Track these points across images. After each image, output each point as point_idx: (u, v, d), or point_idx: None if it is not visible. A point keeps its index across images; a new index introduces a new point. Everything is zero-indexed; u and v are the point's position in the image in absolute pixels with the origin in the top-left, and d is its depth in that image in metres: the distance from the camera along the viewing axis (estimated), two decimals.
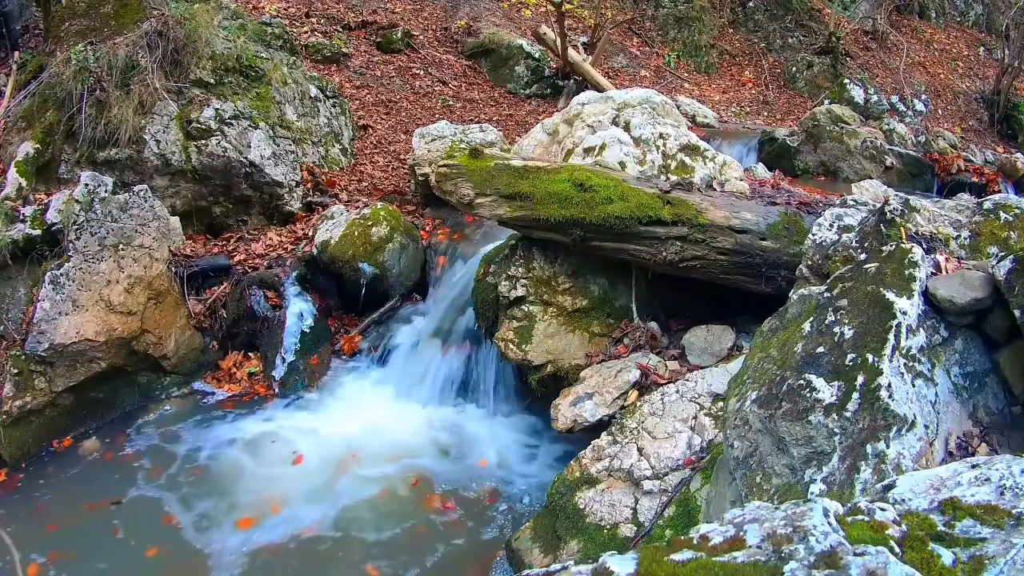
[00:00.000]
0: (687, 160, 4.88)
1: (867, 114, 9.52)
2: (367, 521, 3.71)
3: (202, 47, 5.40)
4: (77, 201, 4.41)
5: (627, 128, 5.05)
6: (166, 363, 4.65)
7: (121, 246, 4.47)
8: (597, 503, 3.18)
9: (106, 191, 4.54)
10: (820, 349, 2.27)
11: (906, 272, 2.31)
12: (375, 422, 4.47)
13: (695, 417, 3.38)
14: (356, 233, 5.07)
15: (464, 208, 4.26)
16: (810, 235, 3.12)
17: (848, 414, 2.08)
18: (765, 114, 9.81)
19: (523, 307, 4.32)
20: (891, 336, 2.15)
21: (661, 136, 4.97)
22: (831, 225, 3.07)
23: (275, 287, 5.02)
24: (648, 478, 3.19)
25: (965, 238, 2.70)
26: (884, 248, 2.51)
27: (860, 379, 2.11)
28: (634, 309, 4.28)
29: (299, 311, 4.92)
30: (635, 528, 3.04)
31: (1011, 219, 2.72)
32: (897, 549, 1.23)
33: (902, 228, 2.67)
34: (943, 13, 12.48)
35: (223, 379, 4.84)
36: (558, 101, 8.61)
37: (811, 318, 2.42)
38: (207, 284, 5.10)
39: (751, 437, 2.31)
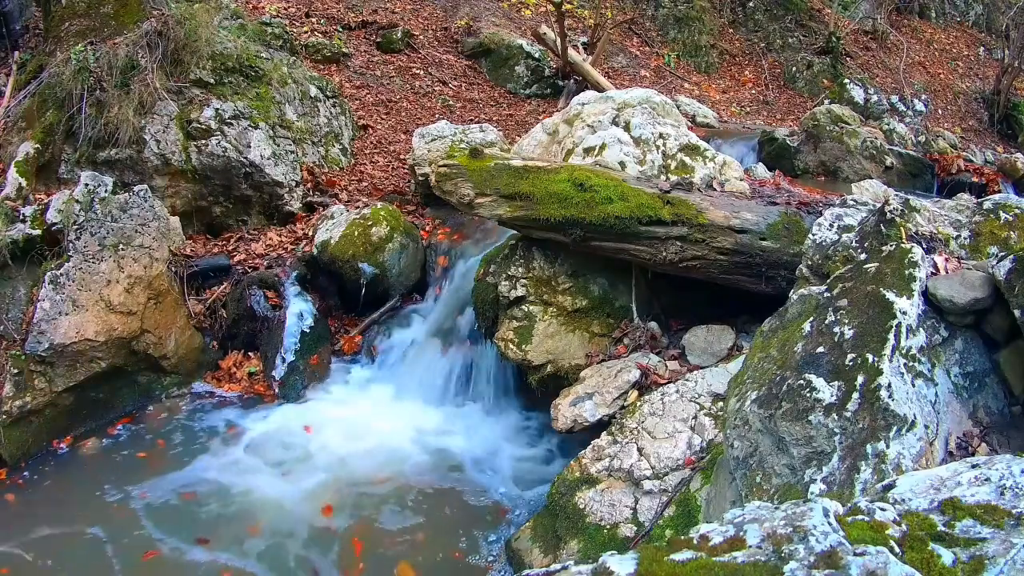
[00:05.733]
0: (687, 160, 4.88)
1: (867, 114, 9.52)
2: (366, 521, 3.71)
3: (202, 47, 5.40)
4: (77, 201, 4.41)
5: (627, 128, 5.05)
6: (166, 363, 4.65)
7: (121, 246, 4.47)
8: (597, 503, 3.18)
9: (106, 191, 4.54)
10: (820, 349, 2.27)
11: (906, 272, 2.31)
12: (375, 422, 4.47)
13: (695, 417, 3.38)
14: (356, 233, 5.07)
15: (464, 208, 4.26)
16: (810, 235, 3.12)
17: (848, 414, 2.08)
18: (765, 114, 9.80)
19: (523, 307, 4.32)
20: (891, 336, 2.15)
21: (661, 136, 4.97)
22: (831, 225, 3.07)
23: (275, 287, 5.02)
24: (648, 478, 3.19)
25: (965, 238, 2.70)
26: (884, 248, 2.51)
27: (860, 379, 2.11)
28: (634, 309, 4.28)
29: (299, 311, 4.91)
30: (635, 528, 3.04)
31: (1011, 219, 2.72)
32: (897, 549, 1.23)
33: (902, 228, 2.67)
34: (943, 13, 12.48)
35: (223, 379, 4.84)
36: (558, 101, 8.61)
37: (811, 318, 2.42)
38: (207, 284, 5.09)
39: (751, 437, 2.31)
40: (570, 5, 8.53)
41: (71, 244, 4.30)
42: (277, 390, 4.68)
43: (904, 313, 2.20)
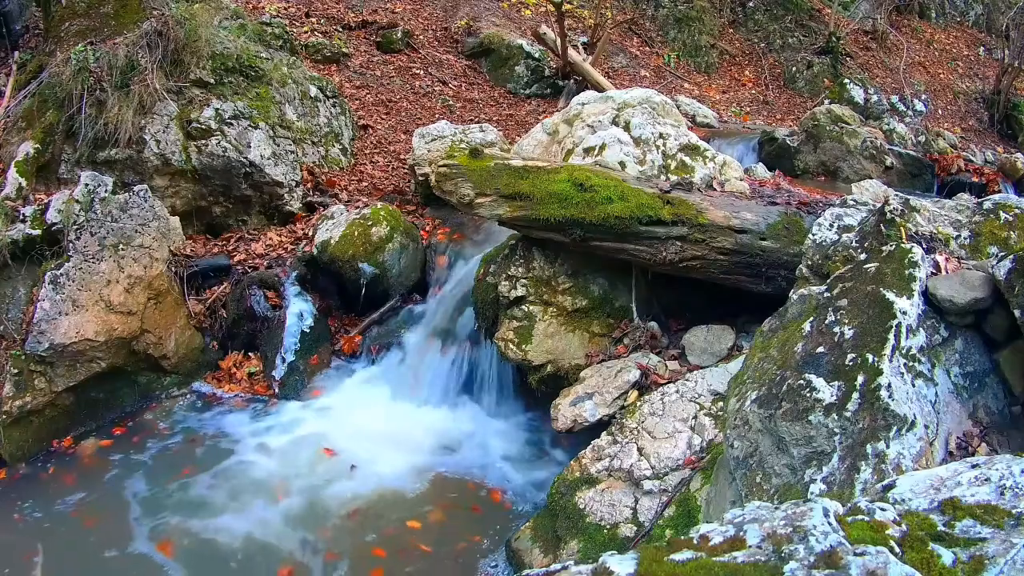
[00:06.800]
0: (687, 160, 4.88)
1: (867, 114, 9.52)
2: (366, 521, 3.71)
3: (202, 47, 5.39)
4: (77, 201, 4.41)
5: (627, 128, 5.05)
6: (166, 363, 4.65)
7: (121, 246, 4.47)
8: (597, 503, 3.18)
9: (106, 191, 4.54)
10: (820, 349, 2.27)
11: (906, 272, 2.31)
12: (374, 422, 4.47)
13: (695, 417, 3.38)
14: (356, 233, 5.07)
15: (464, 208, 4.26)
16: (810, 235, 3.12)
17: (848, 414, 2.08)
18: (765, 114, 9.80)
19: (523, 307, 4.32)
20: (891, 336, 2.15)
21: (661, 136, 4.97)
22: (831, 225, 3.07)
23: (275, 287, 5.02)
24: (648, 478, 3.19)
25: (965, 238, 2.70)
26: (884, 248, 2.51)
27: (860, 379, 2.11)
28: (634, 309, 4.28)
29: (299, 311, 4.91)
30: (635, 528, 3.04)
31: (1011, 219, 2.72)
32: (897, 549, 1.23)
33: (902, 228, 2.67)
34: (943, 13, 12.48)
35: (223, 379, 4.84)
36: (558, 101, 8.60)
37: (811, 318, 2.42)
38: (207, 284, 5.09)
39: (751, 437, 2.31)
40: (570, 5, 8.53)
41: (71, 244, 4.29)
42: (277, 390, 4.68)
43: (904, 313, 2.20)
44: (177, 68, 5.35)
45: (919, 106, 10.21)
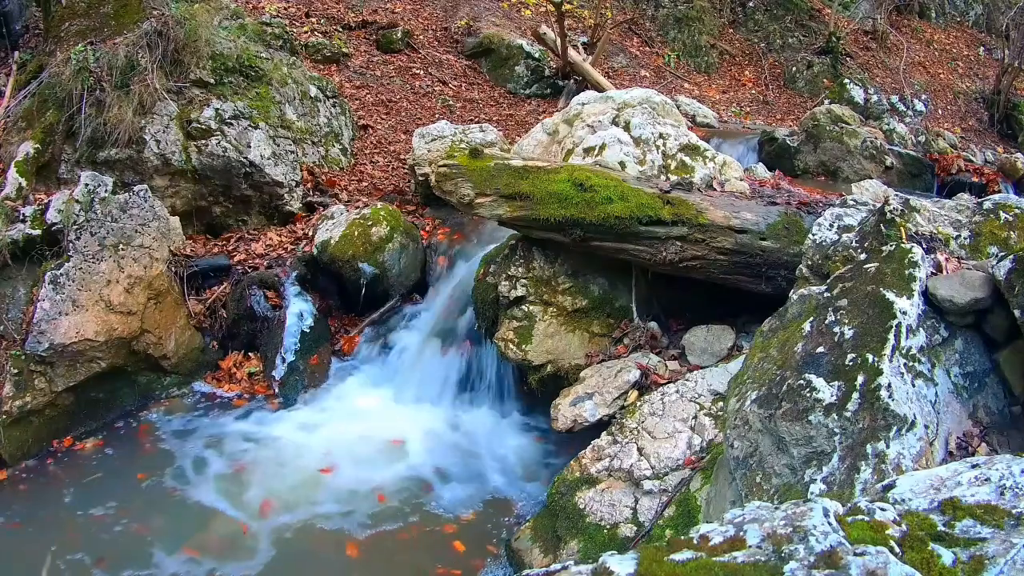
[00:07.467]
0: (687, 160, 4.88)
1: (867, 114, 9.53)
2: (365, 521, 3.70)
3: (202, 47, 5.39)
4: (77, 201, 4.41)
5: (627, 128, 5.05)
6: (166, 363, 4.65)
7: (121, 246, 4.46)
8: (597, 503, 3.18)
9: (106, 191, 4.54)
10: (820, 349, 2.27)
11: (906, 272, 2.31)
12: (374, 422, 4.47)
13: (695, 417, 3.38)
14: (356, 233, 5.07)
15: (464, 208, 4.26)
16: (810, 235, 3.12)
17: (848, 414, 2.08)
18: (765, 114, 9.80)
19: (523, 307, 4.32)
20: (891, 336, 2.15)
21: (661, 136, 4.97)
22: (831, 225, 3.07)
23: (275, 287, 5.02)
24: (648, 478, 3.19)
25: (965, 238, 2.70)
26: (884, 248, 2.51)
27: (860, 379, 2.11)
28: (634, 309, 4.28)
29: (299, 311, 4.91)
30: (635, 528, 3.04)
31: (1011, 219, 2.72)
32: (897, 549, 1.23)
33: (902, 228, 2.67)
34: (943, 13, 12.48)
35: (223, 379, 4.83)
36: (558, 101, 8.61)
37: (811, 318, 2.42)
38: (207, 284, 5.09)
39: (751, 437, 2.31)
40: (570, 5, 8.53)
41: (71, 244, 4.29)
42: (277, 390, 4.67)
43: (904, 313, 2.20)
44: (177, 68, 5.35)
45: (919, 106, 10.21)
